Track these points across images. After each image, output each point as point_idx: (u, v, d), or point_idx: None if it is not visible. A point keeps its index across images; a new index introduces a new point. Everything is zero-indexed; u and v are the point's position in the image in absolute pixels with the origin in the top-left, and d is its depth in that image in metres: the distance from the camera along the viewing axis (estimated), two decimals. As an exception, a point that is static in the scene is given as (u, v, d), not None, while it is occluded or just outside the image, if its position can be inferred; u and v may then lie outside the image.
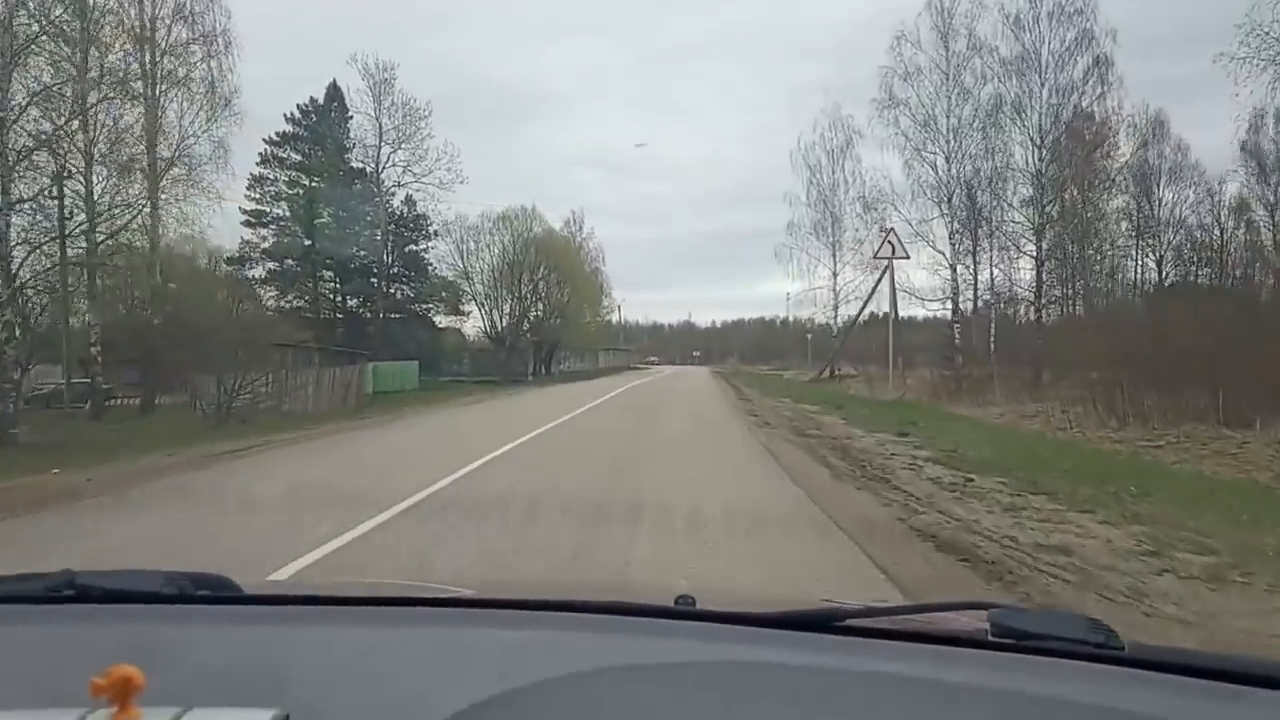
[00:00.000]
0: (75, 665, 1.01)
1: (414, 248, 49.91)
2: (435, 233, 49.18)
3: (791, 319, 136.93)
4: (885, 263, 43.60)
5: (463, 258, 46.20)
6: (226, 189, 29.89)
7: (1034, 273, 37.99)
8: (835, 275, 54.13)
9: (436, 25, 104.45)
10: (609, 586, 3.99)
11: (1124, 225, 43.50)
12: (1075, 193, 36.64)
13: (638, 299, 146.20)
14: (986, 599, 1.94)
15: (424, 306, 50.53)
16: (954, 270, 39.38)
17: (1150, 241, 46.68)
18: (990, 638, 1.28)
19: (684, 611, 1.43)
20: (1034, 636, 1.26)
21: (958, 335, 39.81)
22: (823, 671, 1.21)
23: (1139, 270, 48.57)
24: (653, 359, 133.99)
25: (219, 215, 30.74)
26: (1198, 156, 42.08)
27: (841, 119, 52.80)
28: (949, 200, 38.60)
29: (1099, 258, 41.18)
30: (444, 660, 1.27)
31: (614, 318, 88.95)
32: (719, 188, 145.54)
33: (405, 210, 50.13)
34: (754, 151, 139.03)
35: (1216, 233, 42.51)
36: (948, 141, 38.53)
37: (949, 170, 38.39)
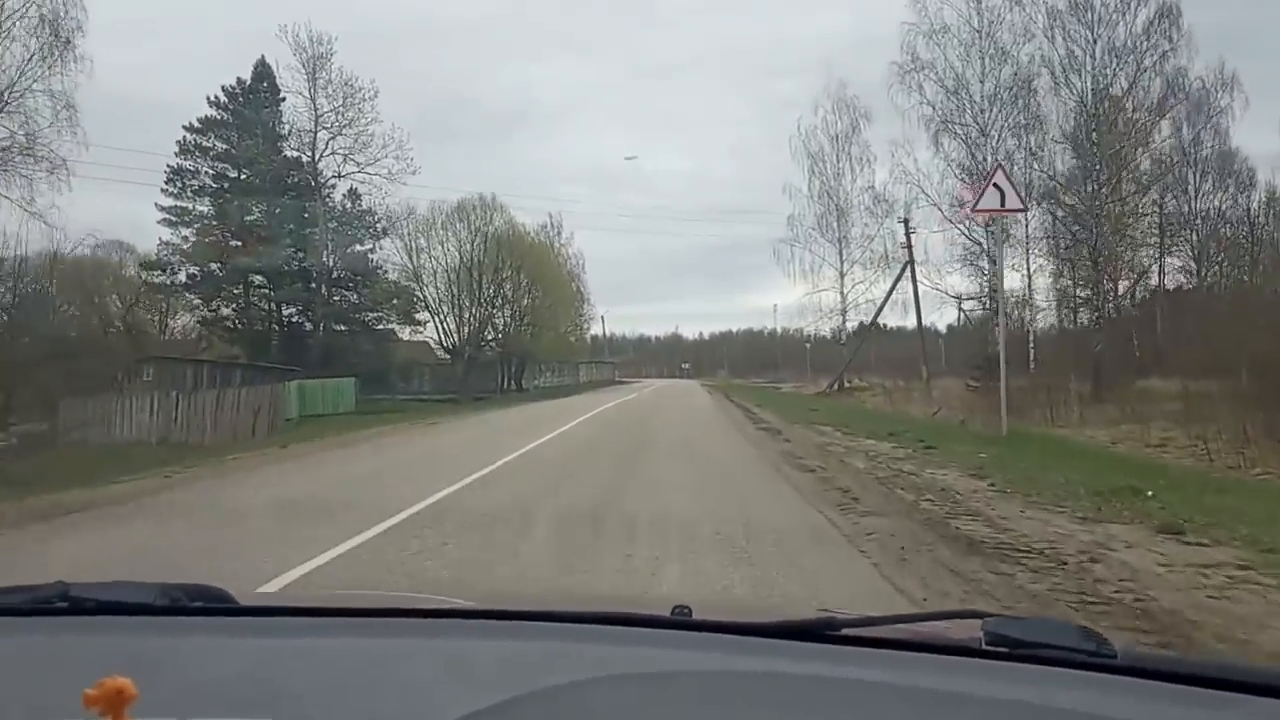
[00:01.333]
0: (68, 677, 1.02)
1: (359, 248, 43.37)
2: (384, 231, 42.65)
3: (780, 330, 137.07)
4: (899, 267, 37.02)
5: (411, 257, 39.63)
6: (78, 162, 23.45)
7: (1090, 267, 31.61)
8: (842, 276, 47.87)
9: (421, 41, 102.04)
10: (606, 598, 3.65)
11: (1146, 221, 37.07)
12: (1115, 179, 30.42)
13: (624, 312, 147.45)
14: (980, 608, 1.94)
15: (372, 315, 43.91)
16: (994, 262, 32.88)
17: (1182, 236, 40.74)
18: (984, 646, 1.28)
19: (681, 621, 1.42)
20: (1027, 645, 1.26)
21: (999, 340, 33.11)
22: (818, 680, 1.22)
23: (1161, 270, 42.58)
24: (641, 373, 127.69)
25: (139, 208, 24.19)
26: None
27: (847, 100, 46.70)
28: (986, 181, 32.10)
29: (1129, 254, 34.95)
30: (440, 671, 1.26)
31: (595, 329, 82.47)
32: (704, 202, 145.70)
33: (348, 205, 43.65)
34: (738, 166, 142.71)
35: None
36: (982, 111, 32.21)
37: (985, 145, 32.04)
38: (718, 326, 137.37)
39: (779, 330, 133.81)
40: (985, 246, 32.42)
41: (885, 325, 50.04)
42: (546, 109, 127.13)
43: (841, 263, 47.89)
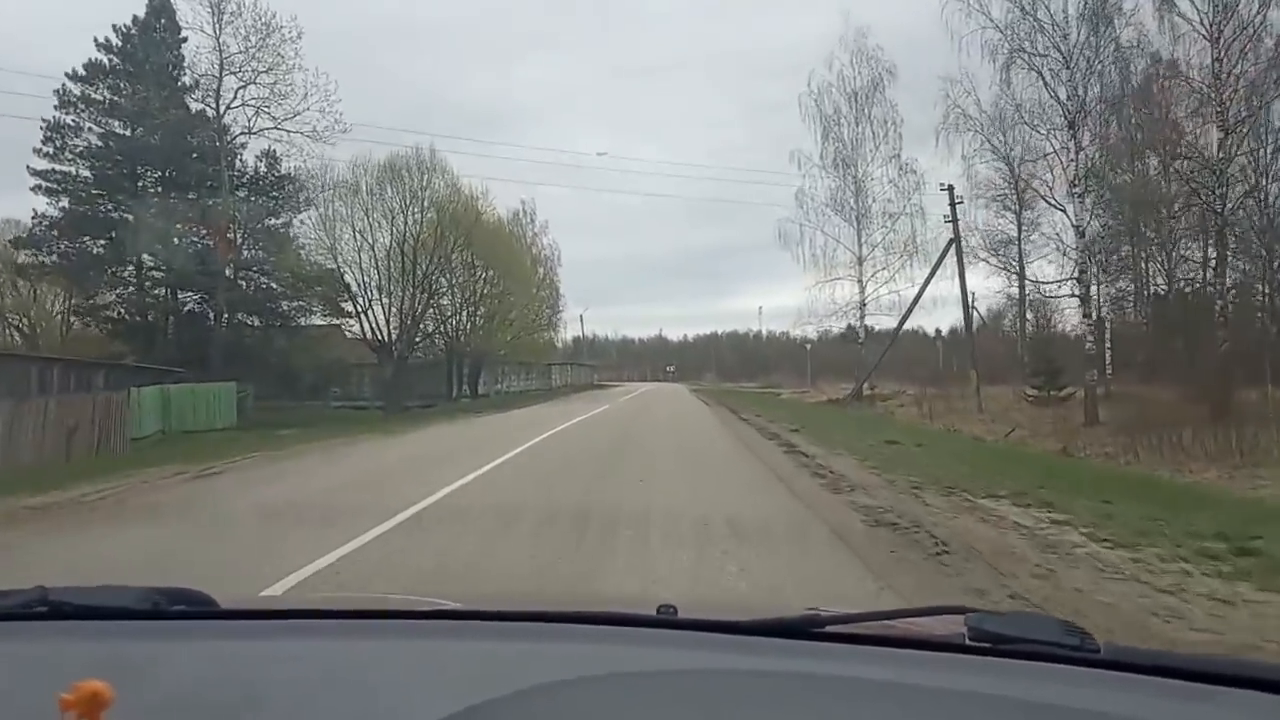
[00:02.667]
0: (46, 682, 1.01)
1: (275, 222, 35.41)
2: (308, 201, 34.66)
3: (767, 332, 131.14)
4: (928, 251, 29.43)
5: (327, 229, 31.64)
6: None
7: (1205, 236, 24.06)
8: (861, 261, 40.29)
9: (402, 41, 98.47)
10: (591, 597, 3.59)
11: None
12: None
13: (607, 314, 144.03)
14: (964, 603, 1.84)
15: (293, 305, 35.93)
16: (1081, 234, 25.17)
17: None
18: (967, 641, 1.29)
19: (666, 620, 1.42)
20: (1010, 640, 1.26)
21: (1093, 339, 25.51)
22: (803, 677, 1.22)
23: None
24: (623, 376, 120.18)
25: None
26: None
27: (867, 51, 39.21)
28: (1072, 131, 24.40)
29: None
30: (422, 673, 1.25)
31: (574, 330, 74.62)
32: (687, 204, 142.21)
33: (263, 170, 35.74)
34: (721, 168, 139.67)
35: None
36: (1067, 38, 24.52)
37: (1072, 82, 24.35)
38: (702, 329, 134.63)
39: (765, 333, 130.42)
40: (1072, 215, 24.70)
41: (873, 327, 42.28)
42: (526, 110, 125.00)
43: (860, 246, 40.33)
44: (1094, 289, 26.02)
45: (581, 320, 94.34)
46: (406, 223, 29.79)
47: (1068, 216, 25.09)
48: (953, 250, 32.33)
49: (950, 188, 31.44)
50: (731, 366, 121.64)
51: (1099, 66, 23.98)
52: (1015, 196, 54.24)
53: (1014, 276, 56.04)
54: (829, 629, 1.36)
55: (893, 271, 39.34)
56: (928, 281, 34.27)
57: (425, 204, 29.87)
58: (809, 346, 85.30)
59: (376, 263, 30.14)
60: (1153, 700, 1.16)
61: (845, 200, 39.91)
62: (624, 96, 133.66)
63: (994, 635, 1.27)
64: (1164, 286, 29.28)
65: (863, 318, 39.97)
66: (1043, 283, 29.69)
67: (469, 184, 31.27)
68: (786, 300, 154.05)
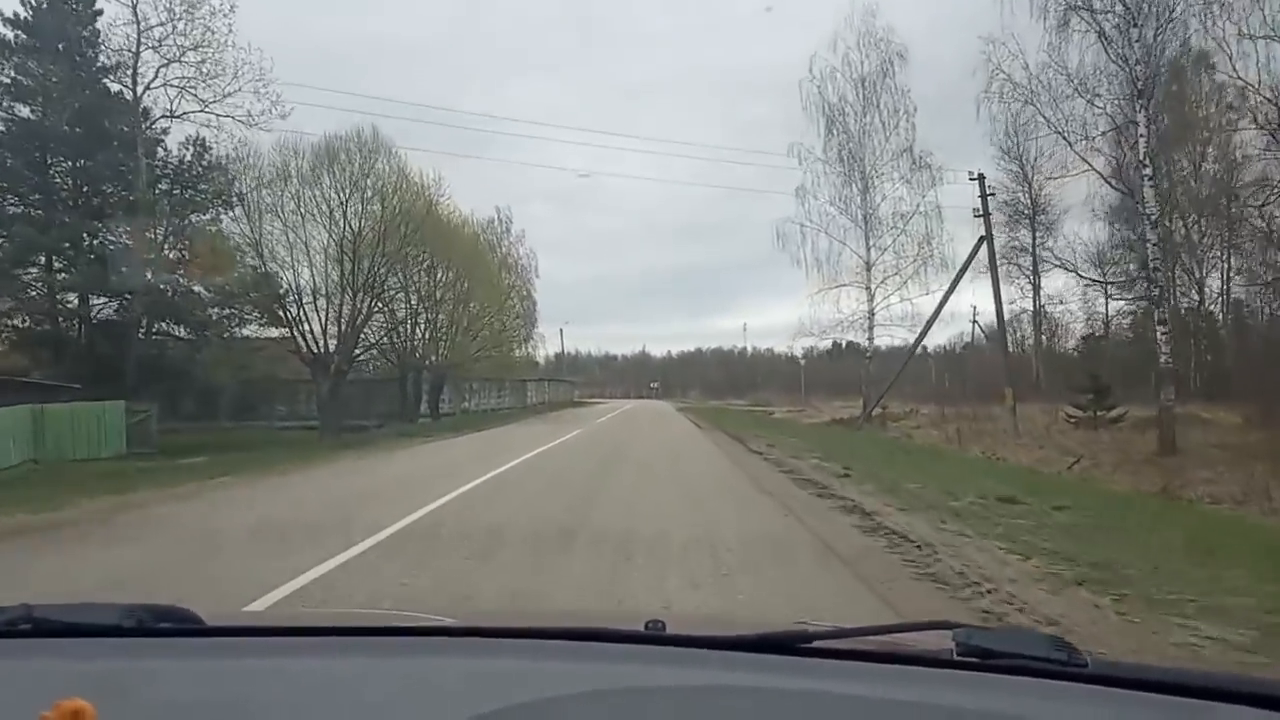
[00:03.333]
0: (30, 700, 1.01)
1: (202, 218, 30.86)
2: (240, 196, 30.12)
3: (751, 349, 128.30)
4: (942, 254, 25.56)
5: (252, 222, 27.08)
6: None
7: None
8: (869, 266, 36.17)
9: (391, 59, 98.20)
10: (579, 613, 3.52)
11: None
12: None
13: (591, 331, 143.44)
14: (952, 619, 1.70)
15: (224, 312, 31.33)
16: (1156, 227, 20.86)
17: None
18: (956, 657, 1.28)
19: (654, 636, 1.40)
20: (998, 655, 1.25)
21: (1167, 351, 21.05)
22: (791, 694, 1.21)
23: None
24: (605, 393, 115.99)
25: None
26: None
27: (875, 34, 35.26)
28: (1143, 98, 20.11)
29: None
30: (410, 691, 1.24)
31: (554, 345, 70.24)
32: (671, 223, 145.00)
33: (189, 159, 31.26)
34: (705, 187, 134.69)
35: None
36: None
37: (1142, 40, 20.15)
38: (686, 346, 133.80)
39: (750, 349, 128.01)
40: (1144, 201, 20.41)
41: (880, 347, 38.25)
42: (511, 130, 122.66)
43: (868, 249, 36.20)
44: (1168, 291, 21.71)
45: (561, 334, 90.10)
46: (346, 215, 25.38)
47: (1140, 205, 20.80)
48: (982, 250, 28.16)
49: (980, 176, 27.40)
50: (717, 383, 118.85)
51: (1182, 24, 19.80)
52: (1030, 200, 51.20)
53: (1027, 287, 52.88)
54: (817, 644, 1.34)
55: (905, 278, 35.24)
56: (955, 284, 30.18)
57: (368, 192, 25.50)
58: (803, 362, 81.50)
59: (311, 262, 25.72)
60: (1140, 715, 1.17)
61: (851, 199, 35.86)
62: (608, 115, 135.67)
63: (982, 650, 1.26)
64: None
65: (871, 329, 35.81)
66: (1112, 283, 25.21)
67: (420, 170, 26.86)
68: (771, 318, 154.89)
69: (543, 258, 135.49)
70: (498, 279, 37.17)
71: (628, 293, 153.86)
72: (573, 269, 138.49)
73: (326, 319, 25.68)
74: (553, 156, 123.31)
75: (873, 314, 35.54)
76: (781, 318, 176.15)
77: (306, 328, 26.01)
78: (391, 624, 1.65)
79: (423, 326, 32.33)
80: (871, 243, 35.63)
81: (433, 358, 35.45)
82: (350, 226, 25.40)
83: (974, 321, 66.70)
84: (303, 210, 25.82)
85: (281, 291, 26.14)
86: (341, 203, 25.44)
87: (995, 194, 44.78)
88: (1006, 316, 51.93)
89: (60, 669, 1.28)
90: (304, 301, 26.21)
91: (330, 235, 25.63)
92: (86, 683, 1.06)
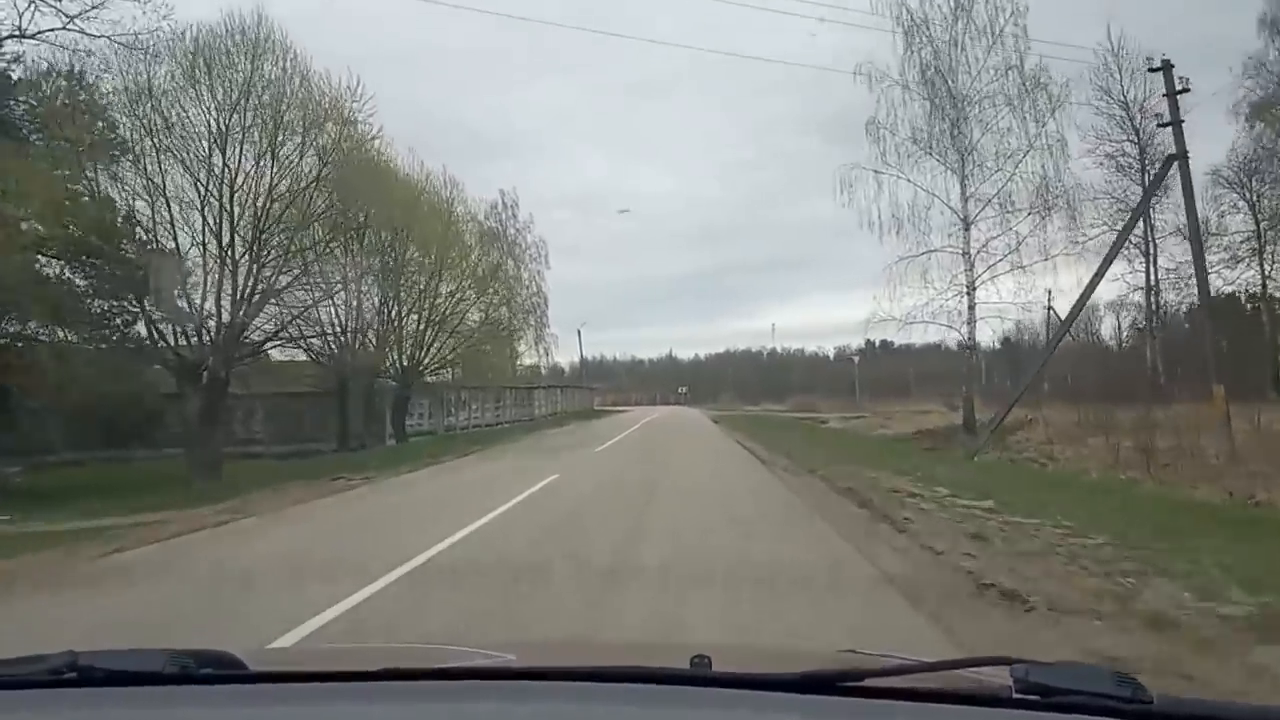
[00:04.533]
0: None
1: (65, 174, 22.63)
2: (121, 147, 21.81)
3: (781, 349, 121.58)
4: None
5: (88, 162, 18.55)
6: None
7: None
8: (967, 223, 27.33)
9: (402, 65, 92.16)
10: (622, 647, 3.33)
11: None
12: None
13: (616, 336, 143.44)
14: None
15: (109, 305, 23.07)
16: None
17: None
18: (1015, 695, 1.24)
19: (701, 676, 1.38)
20: (1059, 692, 1.22)
21: None
22: None
23: None
24: (630, 399, 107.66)
25: None
26: None
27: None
28: None
29: None
30: None
31: (559, 350, 61.76)
32: (692, 226, 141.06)
33: (57, 91, 23.11)
34: (725, 189, 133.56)
35: None
36: None
37: None
38: (711, 349, 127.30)
39: (780, 349, 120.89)
40: None
41: (977, 343, 29.46)
42: (532, 133, 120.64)
43: (965, 200, 27.35)
44: None
45: (580, 336, 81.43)
46: (224, 149, 16.89)
47: None
48: (1168, 179, 19.19)
49: (1165, 64, 18.36)
50: (748, 386, 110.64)
51: None
52: (1139, 150, 41.96)
53: (1134, 263, 43.49)
54: (869, 683, 1.32)
55: (1018, 238, 26.38)
56: (1127, 233, 21.24)
57: (249, 111, 16.89)
58: (856, 360, 72.40)
59: (172, 217, 17.27)
60: None
61: (940, 134, 27.08)
62: (629, 117, 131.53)
63: (1042, 687, 1.22)
64: None
65: (972, 308, 26.93)
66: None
67: (341, 80, 18.25)
68: (799, 319, 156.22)
69: (565, 262, 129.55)
70: (479, 264, 28.75)
71: (652, 297, 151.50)
72: (594, 273, 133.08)
73: (199, 302, 17.22)
74: (573, 158, 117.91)
75: (973, 288, 26.71)
76: (810, 318, 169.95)
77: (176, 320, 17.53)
78: (430, 665, 1.61)
79: (369, 317, 23.99)
80: (969, 192, 26.86)
81: (394, 360, 27.09)
82: (228, 166, 17.00)
83: (1049, 308, 57.41)
84: (157, 140, 17.39)
85: (132, 260, 17.77)
86: (220, 132, 17.04)
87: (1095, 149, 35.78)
88: (1109, 298, 42.60)
89: (106, 719, 1.28)
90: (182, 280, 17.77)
91: (195, 177, 17.16)
92: None
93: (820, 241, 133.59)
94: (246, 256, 17.02)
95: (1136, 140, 39.14)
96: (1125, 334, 43.31)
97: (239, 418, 28.46)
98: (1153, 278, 41.37)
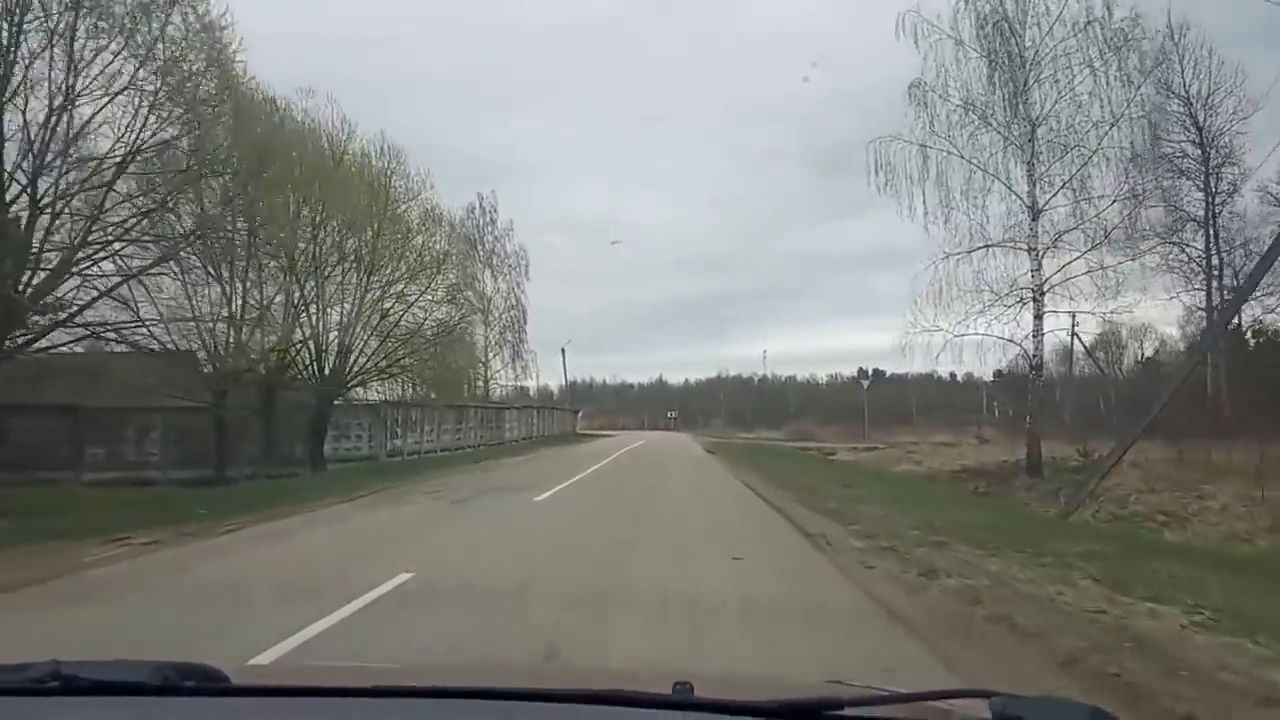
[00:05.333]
0: None
1: None
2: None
3: (771, 376, 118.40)
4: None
5: None
6: None
7: None
8: (1035, 211, 21.93)
9: (402, 93, 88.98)
10: (605, 672, 3.47)
11: None
12: None
13: (605, 361, 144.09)
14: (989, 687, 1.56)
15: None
16: None
17: None
18: None
19: (682, 701, 1.36)
20: None
21: None
22: None
23: None
24: (617, 424, 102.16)
25: None
26: None
27: None
28: None
29: None
30: None
31: (534, 365, 56.07)
32: (686, 253, 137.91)
33: None
34: (720, 218, 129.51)
35: None
36: None
37: None
38: (702, 374, 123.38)
39: (770, 376, 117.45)
40: None
41: (1041, 365, 24.26)
42: (526, 160, 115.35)
43: (1033, 182, 21.98)
44: None
45: (564, 355, 75.77)
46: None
47: None
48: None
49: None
50: (740, 412, 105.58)
51: None
52: (1203, 152, 36.78)
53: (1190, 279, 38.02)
54: (848, 712, 1.30)
55: (1105, 229, 20.95)
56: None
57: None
58: (865, 384, 66.77)
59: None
60: None
61: (1000, 101, 21.71)
62: (619, 145, 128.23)
63: None
64: None
65: (1039, 318, 21.48)
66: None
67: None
68: (788, 346, 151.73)
69: (556, 286, 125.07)
70: (426, 242, 23.02)
71: (642, 322, 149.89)
72: (584, 298, 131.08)
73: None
74: (566, 185, 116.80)
75: (1042, 292, 21.28)
76: (799, 346, 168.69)
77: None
78: (412, 684, 1.56)
79: (270, 310, 18.33)
80: (1038, 173, 21.49)
81: (309, 367, 21.42)
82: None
83: (1073, 334, 51.89)
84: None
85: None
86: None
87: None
88: (1136, 321, 37.50)
89: None
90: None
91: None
92: None
93: (810, 271, 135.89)
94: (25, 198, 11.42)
95: (1200, 141, 33.96)
96: (1191, 359, 37.78)
97: (130, 436, 22.90)
98: (1216, 297, 35.67)
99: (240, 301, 17.33)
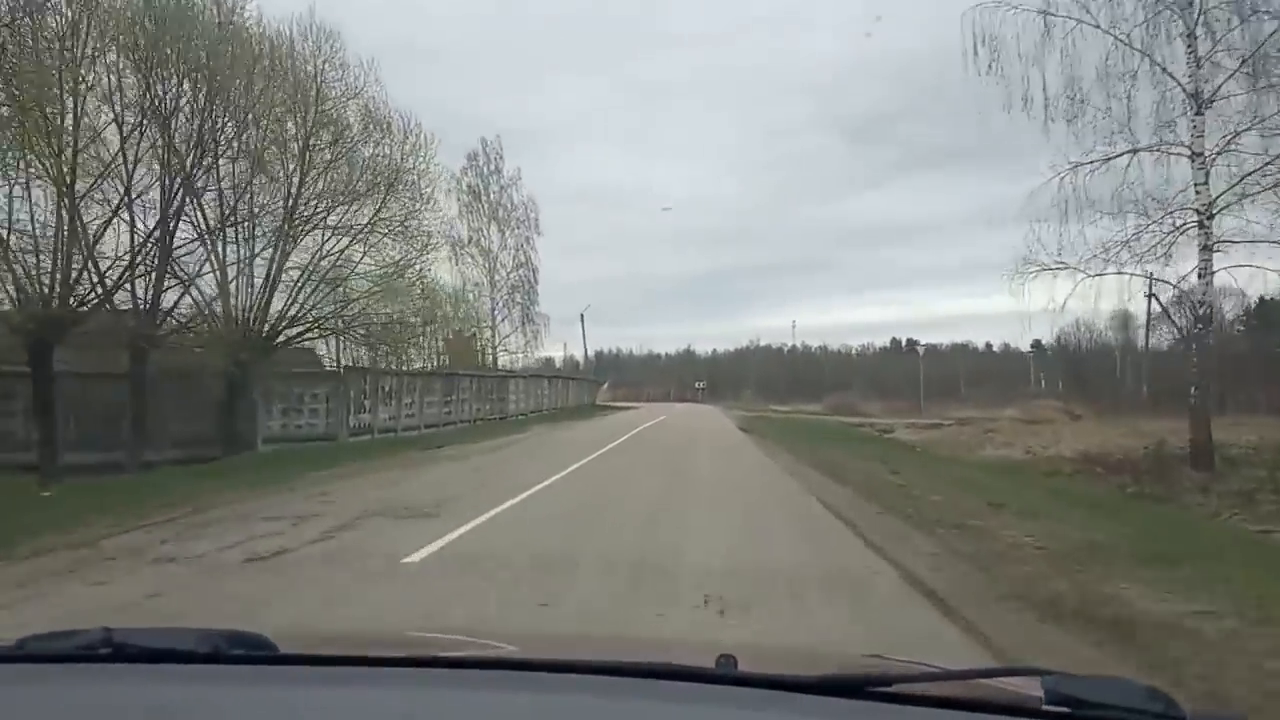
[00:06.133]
0: None
1: None
2: None
3: (802, 346, 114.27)
4: None
5: None
6: None
7: None
8: (1202, 100, 15.83)
9: (420, 62, 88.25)
10: (648, 643, 3.14)
11: None
12: None
13: (632, 333, 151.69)
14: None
15: None
16: None
17: None
18: (1045, 706, 1.22)
19: (726, 676, 1.35)
20: (1091, 705, 1.20)
21: None
22: None
23: None
24: (642, 395, 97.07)
25: None
26: None
27: None
28: None
29: None
30: None
31: (546, 330, 50.73)
32: (709, 225, 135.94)
33: None
34: (743, 188, 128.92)
35: None
36: None
37: None
38: (731, 345, 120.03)
39: (800, 347, 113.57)
40: None
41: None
42: (545, 130, 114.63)
43: (1197, 63, 15.84)
44: None
45: (583, 320, 70.10)
46: None
47: None
48: None
49: None
50: (771, 383, 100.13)
51: None
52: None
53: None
54: (896, 688, 1.29)
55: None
56: None
57: None
58: (921, 351, 60.45)
59: None
60: None
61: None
62: (646, 118, 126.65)
63: (1073, 699, 1.20)
64: None
65: (1208, 249, 15.48)
66: None
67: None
68: (815, 319, 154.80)
69: (578, 259, 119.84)
70: (363, 140, 17.20)
71: (669, 294, 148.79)
72: (612, 269, 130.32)
73: None
74: (587, 159, 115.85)
75: (1209, 216, 15.28)
76: (829, 318, 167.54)
77: None
78: (454, 654, 1.63)
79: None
80: (1204, 51, 15.37)
81: (210, 317, 15.94)
82: None
83: (1150, 295, 44.83)
84: None
85: None
86: None
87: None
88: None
89: (139, 695, 1.31)
90: None
91: None
92: (164, 710, 1.13)
93: (838, 243, 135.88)
94: None
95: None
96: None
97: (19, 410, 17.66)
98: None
99: (68, 215, 11.83)
